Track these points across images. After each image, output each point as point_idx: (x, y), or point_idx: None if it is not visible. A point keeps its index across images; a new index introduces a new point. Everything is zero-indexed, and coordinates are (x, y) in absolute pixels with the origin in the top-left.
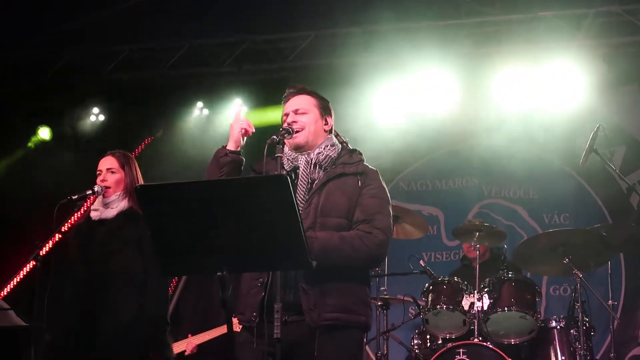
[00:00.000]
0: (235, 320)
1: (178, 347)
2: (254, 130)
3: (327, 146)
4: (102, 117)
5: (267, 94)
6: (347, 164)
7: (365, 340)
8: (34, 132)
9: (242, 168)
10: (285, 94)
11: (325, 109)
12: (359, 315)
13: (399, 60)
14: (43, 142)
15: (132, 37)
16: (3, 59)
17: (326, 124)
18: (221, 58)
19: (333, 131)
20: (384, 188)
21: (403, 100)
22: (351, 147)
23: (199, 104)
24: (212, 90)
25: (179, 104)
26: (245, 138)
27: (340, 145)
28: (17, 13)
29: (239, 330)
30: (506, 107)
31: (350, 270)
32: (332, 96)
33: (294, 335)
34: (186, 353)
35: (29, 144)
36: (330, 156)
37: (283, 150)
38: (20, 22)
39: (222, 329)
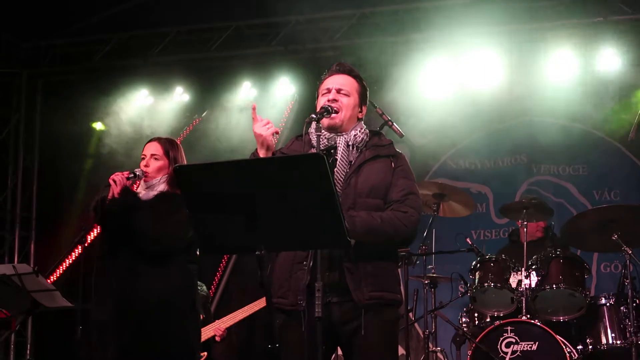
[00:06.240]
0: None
1: (205, 333)
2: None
3: (362, 129)
4: (150, 99)
5: (313, 73)
6: (379, 146)
7: (413, 318)
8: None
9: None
10: (331, 69)
11: (364, 98)
12: (397, 294)
13: (447, 37)
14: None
15: (179, 19)
16: (52, 44)
17: (361, 111)
18: (267, 38)
19: (377, 109)
20: (412, 170)
21: (451, 78)
22: (377, 130)
23: (247, 83)
24: (259, 70)
25: (226, 85)
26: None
27: (368, 129)
28: None
29: None
30: (554, 84)
31: (387, 249)
32: (379, 75)
33: (338, 314)
34: (217, 339)
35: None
36: (364, 139)
37: (320, 130)
38: (68, 7)
39: (249, 310)
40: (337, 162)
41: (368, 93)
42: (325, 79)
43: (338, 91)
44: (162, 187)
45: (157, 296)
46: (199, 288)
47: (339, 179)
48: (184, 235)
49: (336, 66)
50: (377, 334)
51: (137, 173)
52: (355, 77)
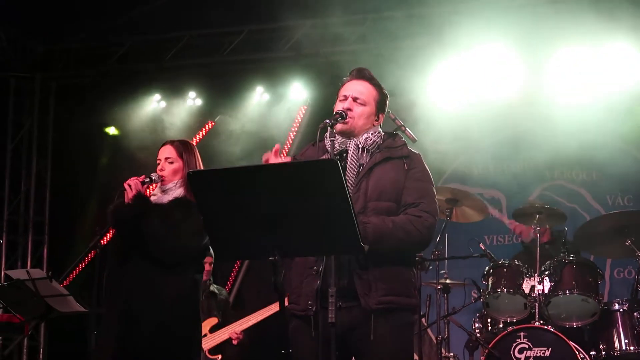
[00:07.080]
0: None
1: (222, 336)
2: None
3: (375, 132)
4: (163, 104)
5: (326, 78)
6: (391, 147)
7: (426, 323)
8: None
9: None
10: (352, 73)
11: (381, 106)
12: (410, 298)
13: (460, 42)
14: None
15: (192, 24)
16: (65, 47)
17: (377, 119)
18: (280, 43)
19: (390, 114)
20: (428, 171)
21: (465, 83)
22: (394, 132)
23: (259, 88)
24: (272, 75)
25: (239, 89)
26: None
27: (383, 131)
28: (80, 1)
29: None
30: (568, 89)
31: (400, 254)
32: (390, 80)
33: (348, 319)
34: (233, 342)
35: (103, 160)
36: (376, 141)
37: (335, 135)
38: (82, 10)
39: (265, 313)
40: (347, 165)
41: (388, 101)
42: (344, 84)
43: (354, 99)
44: (178, 192)
45: (164, 304)
46: (217, 292)
47: (349, 183)
48: (197, 244)
49: (357, 72)
50: (387, 339)
51: (153, 177)
52: (375, 85)
